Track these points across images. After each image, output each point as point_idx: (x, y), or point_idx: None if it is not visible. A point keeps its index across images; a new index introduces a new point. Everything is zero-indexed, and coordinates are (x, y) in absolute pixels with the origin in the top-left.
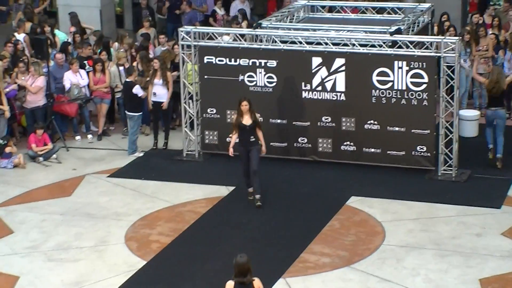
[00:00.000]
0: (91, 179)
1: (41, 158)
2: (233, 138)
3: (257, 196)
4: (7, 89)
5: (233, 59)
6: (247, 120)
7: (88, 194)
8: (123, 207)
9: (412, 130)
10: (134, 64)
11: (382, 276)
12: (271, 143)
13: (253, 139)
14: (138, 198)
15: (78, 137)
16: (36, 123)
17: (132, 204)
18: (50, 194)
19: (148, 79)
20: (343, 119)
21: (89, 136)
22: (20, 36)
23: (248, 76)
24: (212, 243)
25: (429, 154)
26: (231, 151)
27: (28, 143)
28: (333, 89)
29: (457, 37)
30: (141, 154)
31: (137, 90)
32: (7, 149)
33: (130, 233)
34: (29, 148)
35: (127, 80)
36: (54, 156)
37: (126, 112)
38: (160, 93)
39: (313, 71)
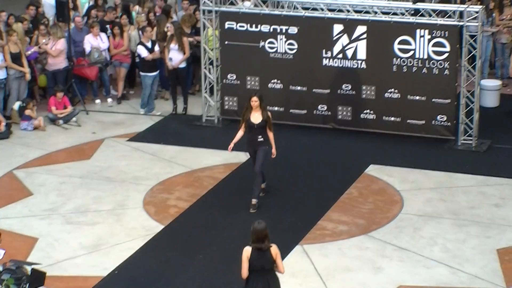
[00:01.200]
0: (110, 142)
1: (61, 121)
2: (238, 135)
3: (253, 201)
4: (28, 52)
5: (254, 25)
6: (256, 118)
7: (107, 157)
8: (141, 171)
9: (433, 99)
10: (154, 28)
11: (399, 245)
12: (291, 110)
13: (261, 139)
14: (156, 163)
15: (97, 101)
16: (56, 86)
17: (151, 168)
18: (70, 157)
19: (165, 44)
20: (363, 87)
21: (109, 100)
22: None
23: (269, 43)
24: (229, 209)
25: (449, 124)
26: (230, 147)
27: (48, 106)
28: (354, 57)
29: (480, 6)
30: (158, 113)
31: (140, 50)
32: (27, 112)
33: (148, 197)
34: (49, 110)
35: (140, 41)
36: (74, 119)
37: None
38: (176, 58)
39: (334, 38)
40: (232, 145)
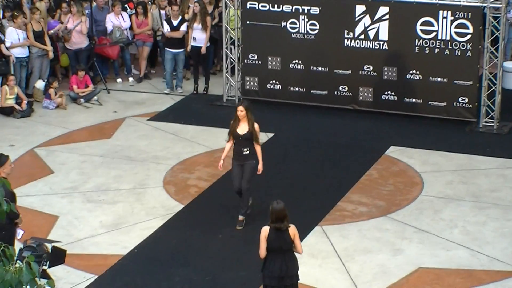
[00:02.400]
0: (131, 122)
1: (82, 100)
2: (226, 148)
3: (240, 217)
4: (51, 31)
5: (276, 5)
6: (242, 129)
7: (128, 137)
8: (162, 150)
9: (455, 81)
10: (175, 7)
11: (419, 227)
12: (312, 91)
13: (247, 152)
14: (177, 142)
15: (119, 80)
16: (78, 65)
17: (171, 148)
18: (91, 136)
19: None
20: (385, 68)
21: (130, 79)
22: None
23: (291, 23)
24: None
25: (471, 106)
26: (220, 164)
27: (69, 85)
28: (376, 37)
29: None
30: (180, 91)
31: (164, 25)
32: (50, 91)
33: (168, 177)
34: (70, 89)
35: (168, 17)
36: (95, 98)
37: None
38: (199, 37)
39: (356, 19)
40: (221, 162)
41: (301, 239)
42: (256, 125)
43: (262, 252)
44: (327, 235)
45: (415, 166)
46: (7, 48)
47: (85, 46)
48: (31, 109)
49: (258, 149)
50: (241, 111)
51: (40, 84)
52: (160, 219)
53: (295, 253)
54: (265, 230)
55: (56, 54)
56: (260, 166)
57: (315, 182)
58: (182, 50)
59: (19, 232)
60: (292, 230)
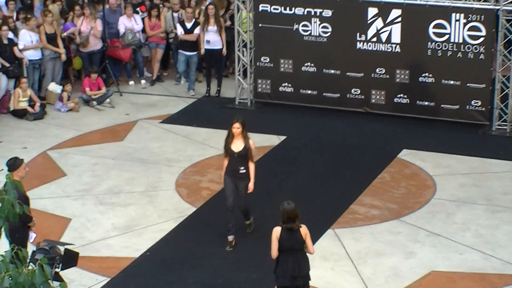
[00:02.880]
0: (143, 124)
1: (94, 102)
2: (224, 165)
3: (247, 222)
4: (65, 33)
5: (288, 8)
6: (237, 146)
7: (140, 139)
8: (174, 153)
9: (467, 84)
10: (189, 10)
11: (432, 230)
12: (324, 94)
13: (243, 171)
14: (189, 145)
15: (131, 82)
16: (90, 67)
17: (184, 150)
18: (103, 138)
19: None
20: (397, 71)
21: (143, 81)
22: None
23: (303, 25)
24: (261, 192)
25: (483, 109)
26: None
27: (82, 87)
28: (388, 40)
29: None
30: (192, 93)
31: (177, 28)
32: (63, 94)
33: (180, 179)
34: (83, 91)
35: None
36: (108, 100)
37: None
38: (213, 40)
39: (368, 21)
40: (223, 177)
41: (313, 242)
42: (251, 142)
43: (274, 252)
44: (339, 238)
45: (427, 169)
46: (20, 51)
47: (98, 48)
48: (44, 112)
49: (252, 167)
50: (237, 128)
51: (53, 86)
52: (172, 222)
53: (307, 253)
54: (277, 231)
55: (69, 57)
56: (251, 185)
57: (327, 184)
58: (195, 52)
59: (32, 235)
60: (304, 230)
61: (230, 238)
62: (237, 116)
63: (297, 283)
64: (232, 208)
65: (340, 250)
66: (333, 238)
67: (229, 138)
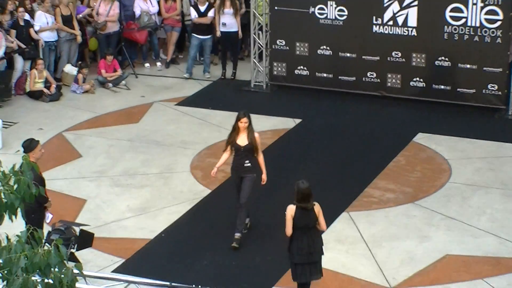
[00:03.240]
0: (159, 106)
1: (110, 84)
2: (222, 158)
3: (236, 235)
4: (80, 15)
5: None
6: (243, 140)
7: (156, 121)
8: (189, 135)
9: (484, 68)
10: None
11: (447, 214)
12: (339, 77)
13: (248, 165)
14: (204, 127)
15: (147, 65)
16: (106, 49)
17: (199, 133)
18: (118, 120)
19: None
20: (414, 55)
21: (158, 63)
22: None
23: (319, 9)
24: (276, 175)
25: (500, 93)
26: (213, 172)
27: (98, 69)
28: (405, 24)
29: None
30: (207, 76)
31: (191, 12)
32: (79, 76)
33: (195, 161)
34: (98, 73)
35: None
36: (123, 82)
37: None
38: (229, 22)
39: (384, 5)
40: (215, 169)
41: (328, 225)
42: (256, 135)
43: (289, 230)
44: (354, 221)
45: (443, 153)
46: (36, 32)
47: (115, 30)
48: (59, 93)
49: (260, 158)
50: (245, 122)
51: (68, 68)
52: (187, 204)
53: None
54: (292, 209)
55: (85, 38)
56: (264, 176)
57: (342, 168)
58: (209, 36)
59: (48, 216)
60: (317, 207)
61: (237, 235)
62: (242, 110)
63: (313, 259)
64: (242, 205)
65: (354, 233)
66: (348, 221)
67: (234, 133)
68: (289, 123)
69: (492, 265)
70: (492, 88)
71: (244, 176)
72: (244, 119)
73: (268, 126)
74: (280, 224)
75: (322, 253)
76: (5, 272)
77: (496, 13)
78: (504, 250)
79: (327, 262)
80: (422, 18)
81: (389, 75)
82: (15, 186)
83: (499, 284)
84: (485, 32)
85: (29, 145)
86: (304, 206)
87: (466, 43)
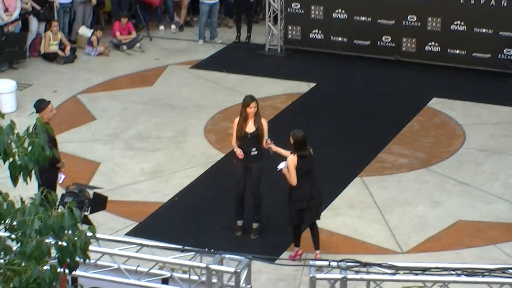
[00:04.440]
0: (173, 69)
1: (124, 47)
2: (234, 147)
3: (254, 225)
4: None
5: None
6: (250, 127)
7: (170, 84)
8: (203, 99)
9: (500, 33)
10: None
11: (460, 180)
12: (354, 41)
13: (255, 153)
14: (218, 91)
15: (161, 27)
16: (121, 11)
17: (213, 96)
18: (132, 83)
19: None
20: (429, 19)
21: (173, 26)
22: None
23: None
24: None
25: None
26: (239, 152)
27: (112, 31)
28: None
29: None
30: (219, 41)
31: None
32: (93, 38)
33: (209, 125)
34: (113, 36)
35: None
36: (138, 45)
37: None
38: None
39: None
40: (239, 151)
41: (341, 190)
42: (264, 121)
43: (294, 180)
44: (367, 186)
45: (457, 118)
46: None
47: None
48: (74, 56)
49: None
50: (254, 107)
51: (83, 30)
52: (200, 168)
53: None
54: (294, 159)
55: (100, 1)
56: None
57: (355, 133)
58: (217, 0)
59: (61, 177)
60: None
61: (239, 223)
62: (249, 96)
63: (314, 203)
64: (243, 195)
65: (367, 198)
66: (361, 186)
67: (242, 120)
68: (303, 87)
69: (504, 230)
70: (508, 53)
71: (250, 166)
72: (253, 104)
73: (282, 90)
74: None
75: (323, 195)
76: (19, 234)
77: None
78: None
79: (339, 226)
80: None
81: (404, 39)
82: (29, 148)
83: (511, 250)
84: None
85: (39, 106)
86: (304, 153)
87: (482, 7)
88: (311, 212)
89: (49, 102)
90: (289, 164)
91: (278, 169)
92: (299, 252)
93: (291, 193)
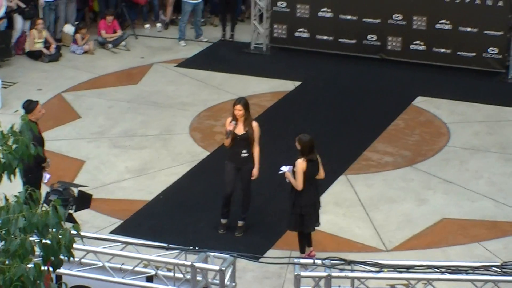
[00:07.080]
0: (158, 67)
1: (110, 45)
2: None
3: (240, 223)
4: None
5: None
6: (240, 129)
7: (155, 82)
8: (189, 97)
9: (485, 31)
10: None
11: (445, 178)
12: (340, 40)
13: (246, 154)
14: (204, 89)
15: (147, 25)
16: (106, 10)
17: (198, 94)
18: (118, 81)
19: None
20: (414, 18)
21: (158, 24)
22: None
23: None
24: (275, 137)
25: (500, 57)
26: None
27: (97, 29)
28: None
29: None
30: (205, 39)
31: None
32: (76, 36)
33: (195, 123)
34: (98, 34)
35: None
36: (123, 43)
37: None
38: None
39: None
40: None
41: (326, 188)
42: (254, 124)
43: (301, 184)
44: (352, 184)
45: (442, 117)
46: None
47: None
48: (59, 53)
49: (256, 151)
50: (239, 110)
51: (68, 28)
52: (185, 165)
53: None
54: (302, 164)
55: None
56: (255, 171)
57: (341, 131)
58: (201, 0)
59: (46, 176)
60: (318, 157)
61: (223, 221)
62: (239, 98)
63: (316, 208)
64: (230, 196)
65: (352, 196)
66: (346, 184)
67: (232, 120)
68: (289, 85)
69: (488, 228)
70: (493, 52)
71: (241, 167)
72: (238, 106)
73: (268, 88)
74: (281, 185)
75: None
76: (3, 232)
77: None
78: (500, 214)
79: (324, 225)
80: None
81: (390, 38)
82: (14, 146)
83: (495, 248)
84: None
85: (29, 106)
86: (312, 158)
87: (467, 6)
88: (311, 219)
89: (38, 102)
90: (297, 168)
91: (280, 172)
92: (312, 254)
93: (296, 198)
